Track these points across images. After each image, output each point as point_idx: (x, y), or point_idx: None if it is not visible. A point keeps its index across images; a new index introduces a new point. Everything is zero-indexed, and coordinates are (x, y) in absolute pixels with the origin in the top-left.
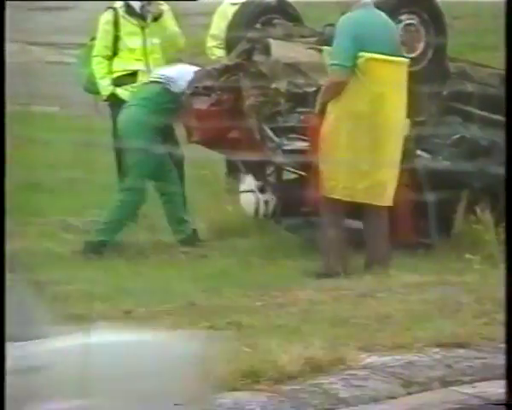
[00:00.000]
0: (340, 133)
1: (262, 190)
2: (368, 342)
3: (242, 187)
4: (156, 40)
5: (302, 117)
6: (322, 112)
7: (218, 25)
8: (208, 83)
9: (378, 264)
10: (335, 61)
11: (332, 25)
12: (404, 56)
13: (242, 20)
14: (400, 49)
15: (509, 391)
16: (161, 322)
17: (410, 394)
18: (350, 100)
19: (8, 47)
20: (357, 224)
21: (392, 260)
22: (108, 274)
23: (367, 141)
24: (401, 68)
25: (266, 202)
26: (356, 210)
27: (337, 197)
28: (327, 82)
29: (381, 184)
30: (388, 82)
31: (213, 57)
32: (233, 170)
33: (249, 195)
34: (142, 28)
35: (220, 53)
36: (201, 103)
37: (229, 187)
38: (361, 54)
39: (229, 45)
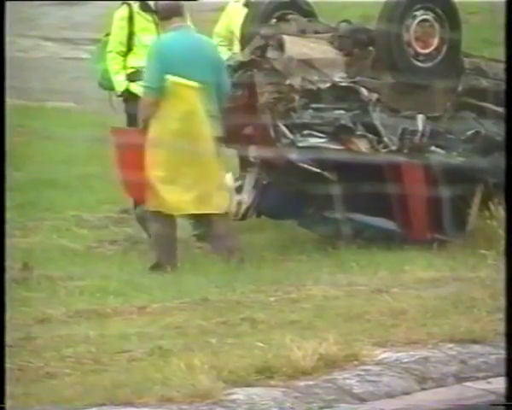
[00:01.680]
0: (158, 151)
1: (238, 189)
2: (382, 338)
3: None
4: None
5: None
6: (146, 129)
7: (221, 23)
8: None
9: (226, 258)
10: (144, 83)
11: (347, 21)
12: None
13: (257, 17)
14: (208, 69)
15: (510, 391)
16: (174, 317)
17: (424, 390)
18: (164, 119)
19: (24, 43)
20: (367, 219)
21: (239, 252)
22: (122, 269)
23: (184, 156)
24: (196, 91)
25: (239, 203)
26: (365, 205)
27: (166, 212)
28: (140, 102)
29: (206, 194)
30: (192, 102)
31: None
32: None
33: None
34: (157, 24)
35: (221, 50)
36: None
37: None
38: (167, 76)
39: (243, 42)
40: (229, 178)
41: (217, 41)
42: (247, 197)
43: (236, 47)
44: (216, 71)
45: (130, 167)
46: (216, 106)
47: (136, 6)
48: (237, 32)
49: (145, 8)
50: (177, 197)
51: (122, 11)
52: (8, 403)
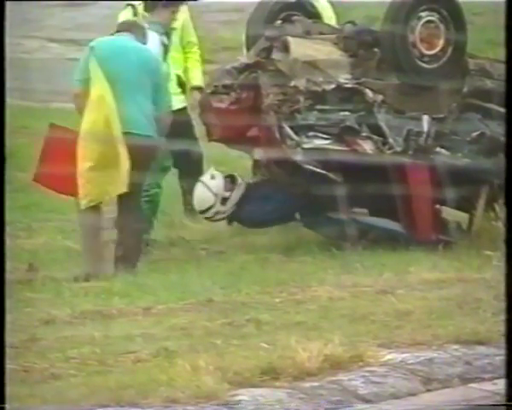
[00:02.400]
0: (83, 145)
1: (223, 201)
2: (387, 339)
3: (206, 179)
4: (175, 39)
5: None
6: None
7: None
8: (227, 81)
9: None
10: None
11: (351, 22)
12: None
13: (261, 18)
14: (142, 74)
15: (509, 391)
16: (179, 319)
17: (429, 391)
18: (87, 111)
19: (29, 44)
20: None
21: (139, 257)
22: (127, 270)
23: (104, 148)
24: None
25: (217, 213)
26: (370, 207)
27: (93, 204)
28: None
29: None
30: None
31: None
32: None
33: (208, 194)
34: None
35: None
36: (221, 102)
37: None
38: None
39: (248, 43)
40: (218, 177)
41: None
42: (225, 211)
43: None
44: (151, 78)
45: (60, 162)
46: (153, 107)
47: (140, 8)
48: None
49: (149, 9)
50: (102, 187)
51: (126, 13)
52: (13, 404)
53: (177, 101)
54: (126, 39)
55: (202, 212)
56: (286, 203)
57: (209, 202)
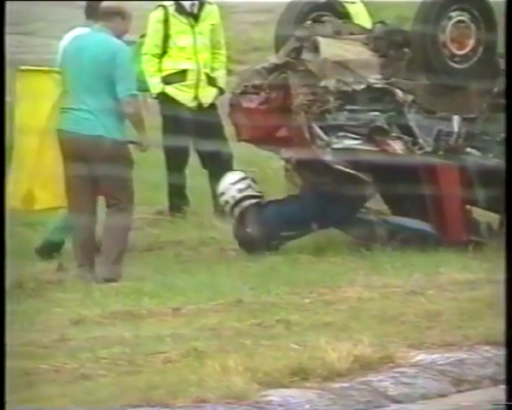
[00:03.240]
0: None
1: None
2: (417, 340)
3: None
4: (206, 39)
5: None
6: None
7: None
8: (257, 81)
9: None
10: None
11: (382, 22)
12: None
13: (291, 18)
14: (96, 69)
15: (510, 393)
16: (209, 319)
17: (460, 392)
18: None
19: (57, 44)
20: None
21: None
22: (157, 271)
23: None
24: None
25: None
26: (400, 207)
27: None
28: None
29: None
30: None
31: None
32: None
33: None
34: (192, 27)
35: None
36: (250, 102)
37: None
38: None
39: (278, 43)
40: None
41: None
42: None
43: None
44: (104, 70)
45: None
46: (105, 103)
47: (171, 8)
48: None
49: (180, 10)
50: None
51: (157, 13)
52: (45, 404)
53: (208, 97)
54: (87, 35)
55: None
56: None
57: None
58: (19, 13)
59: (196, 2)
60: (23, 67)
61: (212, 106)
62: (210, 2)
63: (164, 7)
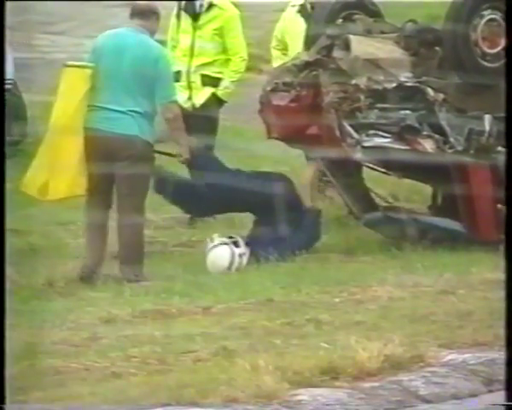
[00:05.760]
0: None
1: (236, 243)
2: (448, 340)
3: (215, 241)
4: (206, 43)
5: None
6: None
7: (278, 26)
8: (288, 79)
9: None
10: None
11: (413, 20)
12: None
13: (323, 16)
14: (134, 68)
15: (509, 392)
16: (239, 318)
17: (491, 392)
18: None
19: (90, 44)
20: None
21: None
22: (187, 270)
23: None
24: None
25: (241, 255)
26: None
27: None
28: None
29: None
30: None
31: (272, 58)
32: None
33: (223, 248)
34: (194, 29)
35: (276, 54)
36: (281, 99)
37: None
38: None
39: (308, 41)
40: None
41: (274, 44)
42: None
43: (292, 51)
44: (145, 74)
45: None
46: (143, 106)
47: (183, 4)
48: (288, 38)
49: (187, 8)
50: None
51: (175, 8)
52: (76, 403)
53: (200, 98)
54: (127, 34)
55: (230, 267)
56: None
57: (228, 255)
58: (51, 13)
59: (204, 3)
60: (68, 63)
61: (205, 106)
62: (220, 6)
63: (179, 3)
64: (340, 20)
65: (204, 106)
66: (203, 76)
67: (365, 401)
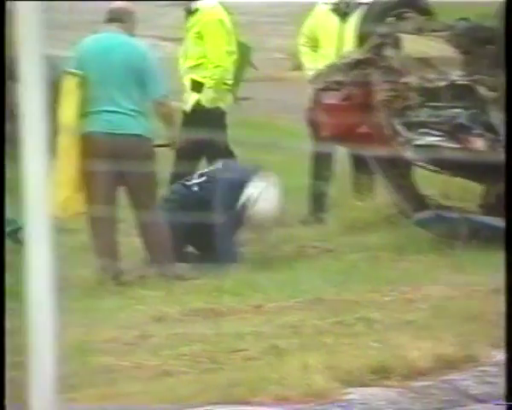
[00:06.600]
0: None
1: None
2: (500, 339)
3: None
4: (192, 48)
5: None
6: None
7: (307, 24)
8: (338, 77)
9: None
10: None
11: (465, 19)
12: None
13: (374, 15)
14: (123, 69)
15: (509, 391)
16: (290, 317)
17: None
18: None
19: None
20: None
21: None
22: (238, 268)
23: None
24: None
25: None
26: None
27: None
28: None
29: None
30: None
31: (301, 54)
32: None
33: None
34: (186, 31)
35: (305, 50)
36: (331, 98)
37: (358, 182)
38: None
39: (360, 40)
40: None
41: (302, 41)
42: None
43: (323, 48)
44: (135, 72)
45: None
46: (139, 104)
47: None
48: (320, 34)
49: (186, 10)
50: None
51: None
52: (127, 401)
53: (189, 103)
54: (111, 36)
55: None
56: None
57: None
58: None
59: (193, 7)
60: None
61: (193, 112)
62: (201, 11)
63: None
64: (392, 19)
65: (192, 111)
66: (191, 80)
67: (416, 400)
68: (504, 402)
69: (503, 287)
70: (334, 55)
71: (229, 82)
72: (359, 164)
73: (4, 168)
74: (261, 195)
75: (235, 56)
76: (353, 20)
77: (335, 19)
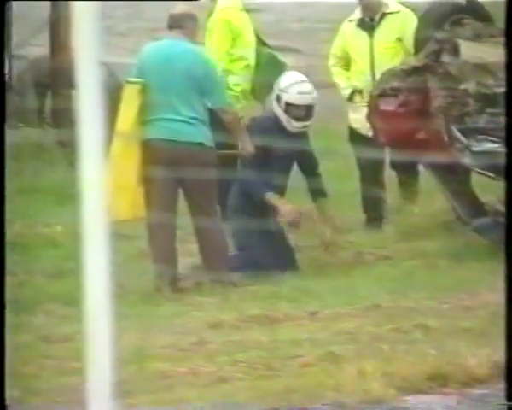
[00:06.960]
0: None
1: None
2: None
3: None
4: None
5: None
6: None
7: (336, 43)
8: (396, 84)
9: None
10: None
11: None
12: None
13: (431, 21)
14: (184, 78)
15: (509, 391)
16: (346, 324)
17: None
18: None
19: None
20: None
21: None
22: (294, 275)
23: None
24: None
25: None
26: None
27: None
28: None
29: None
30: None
31: (333, 75)
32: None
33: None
34: None
35: (336, 71)
36: (389, 104)
37: (413, 188)
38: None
39: (417, 46)
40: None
41: (332, 62)
42: None
43: (356, 66)
44: (196, 80)
45: None
46: (199, 113)
47: None
48: (352, 53)
49: None
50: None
51: None
52: (183, 407)
53: None
54: (172, 44)
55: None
56: None
57: None
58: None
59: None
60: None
61: None
62: (216, 4)
63: None
64: (449, 25)
65: None
66: None
67: (475, 407)
68: (504, 402)
69: None
70: (367, 70)
71: (236, 88)
72: (405, 170)
73: (4, 169)
74: None
75: (246, 63)
76: (381, 32)
77: (363, 34)
